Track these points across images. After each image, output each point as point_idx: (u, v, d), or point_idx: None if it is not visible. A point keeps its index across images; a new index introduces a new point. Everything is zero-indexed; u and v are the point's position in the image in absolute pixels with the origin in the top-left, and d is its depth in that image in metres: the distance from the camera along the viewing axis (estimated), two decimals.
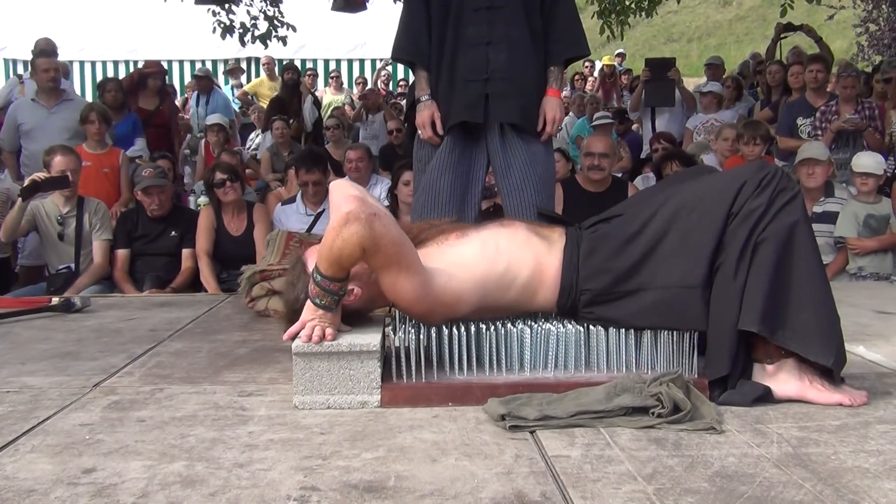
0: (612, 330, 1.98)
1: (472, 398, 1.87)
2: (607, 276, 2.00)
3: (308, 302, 1.90)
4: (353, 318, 1.99)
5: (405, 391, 1.88)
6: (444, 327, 1.98)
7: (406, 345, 1.91)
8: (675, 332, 1.95)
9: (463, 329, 1.97)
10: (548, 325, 2.02)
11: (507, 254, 2.01)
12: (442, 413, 1.82)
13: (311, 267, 1.95)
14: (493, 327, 2.00)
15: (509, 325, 2.02)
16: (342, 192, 1.81)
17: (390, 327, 2.02)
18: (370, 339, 1.89)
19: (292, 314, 1.97)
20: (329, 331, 1.87)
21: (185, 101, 10.63)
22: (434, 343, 1.98)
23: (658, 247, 1.98)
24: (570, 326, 2.02)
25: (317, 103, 9.41)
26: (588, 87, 11.36)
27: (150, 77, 7.16)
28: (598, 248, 2.03)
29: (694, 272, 1.92)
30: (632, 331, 1.98)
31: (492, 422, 1.74)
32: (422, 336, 1.94)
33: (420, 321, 2.01)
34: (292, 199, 4.99)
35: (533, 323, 2.04)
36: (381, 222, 1.75)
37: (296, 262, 2.07)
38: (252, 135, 9.17)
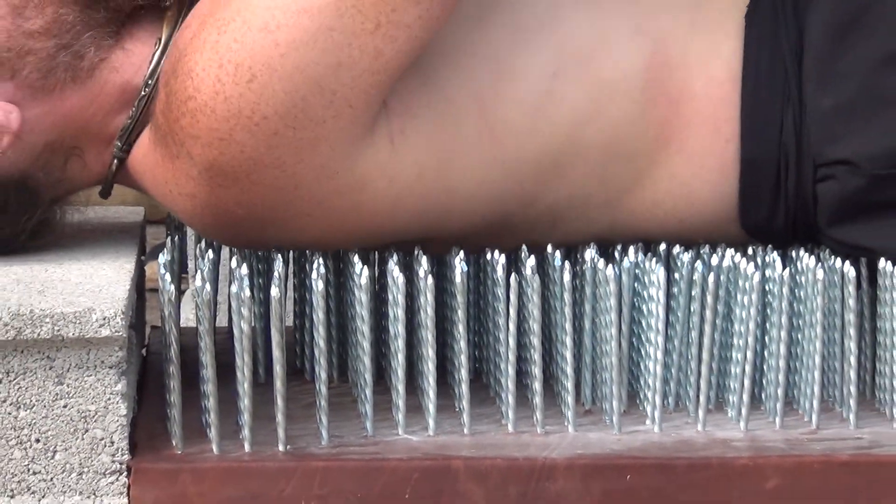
0: None
1: None
2: None
3: None
4: None
5: (213, 477, 0.56)
6: (351, 263, 0.65)
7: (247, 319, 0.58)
8: None
9: (425, 264, 0.62)
10: (730, 253, 0.66)
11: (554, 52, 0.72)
12: None
13: None
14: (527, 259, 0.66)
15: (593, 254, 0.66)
16: None
17: (166, 252, 0.65)
18: (94, 300, 0.57)
19: None
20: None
21: None
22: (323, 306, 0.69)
23: None
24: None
25: None
26: None
27: None
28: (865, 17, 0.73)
29: None
30: None
31: None
32: (278, 275, 0.61)
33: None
34: None
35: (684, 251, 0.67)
36: None
37: None
38: None
